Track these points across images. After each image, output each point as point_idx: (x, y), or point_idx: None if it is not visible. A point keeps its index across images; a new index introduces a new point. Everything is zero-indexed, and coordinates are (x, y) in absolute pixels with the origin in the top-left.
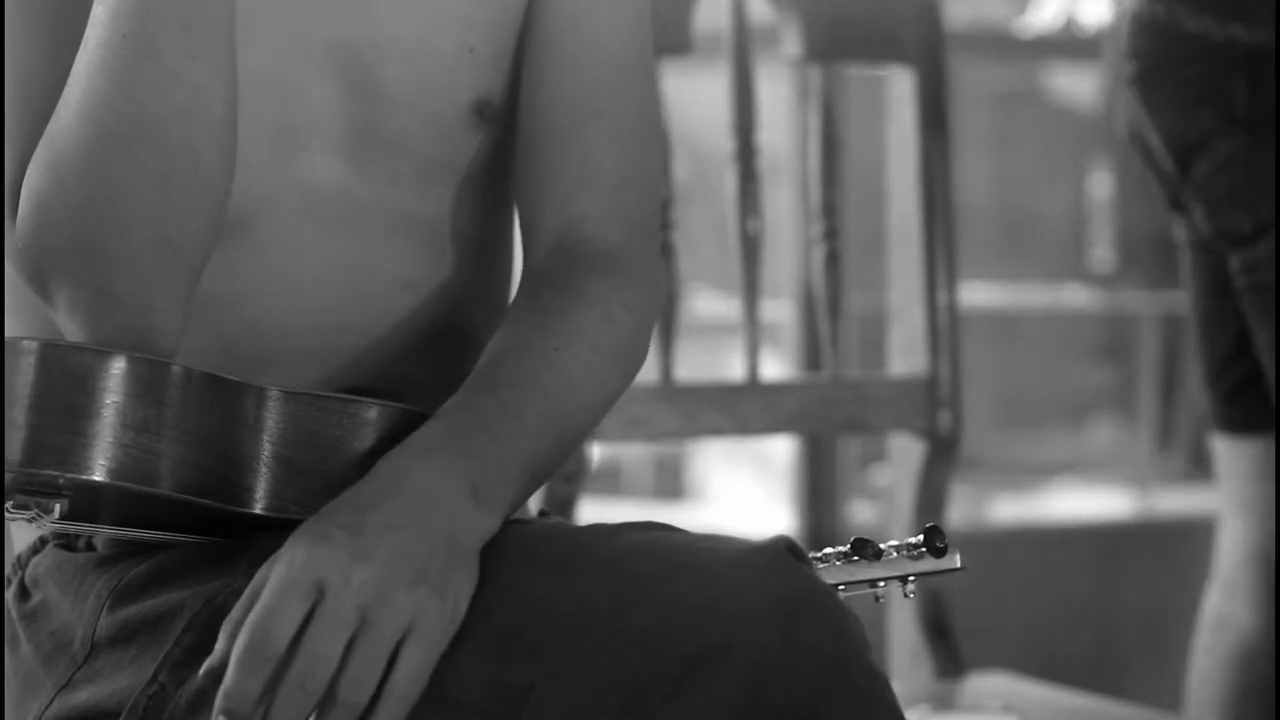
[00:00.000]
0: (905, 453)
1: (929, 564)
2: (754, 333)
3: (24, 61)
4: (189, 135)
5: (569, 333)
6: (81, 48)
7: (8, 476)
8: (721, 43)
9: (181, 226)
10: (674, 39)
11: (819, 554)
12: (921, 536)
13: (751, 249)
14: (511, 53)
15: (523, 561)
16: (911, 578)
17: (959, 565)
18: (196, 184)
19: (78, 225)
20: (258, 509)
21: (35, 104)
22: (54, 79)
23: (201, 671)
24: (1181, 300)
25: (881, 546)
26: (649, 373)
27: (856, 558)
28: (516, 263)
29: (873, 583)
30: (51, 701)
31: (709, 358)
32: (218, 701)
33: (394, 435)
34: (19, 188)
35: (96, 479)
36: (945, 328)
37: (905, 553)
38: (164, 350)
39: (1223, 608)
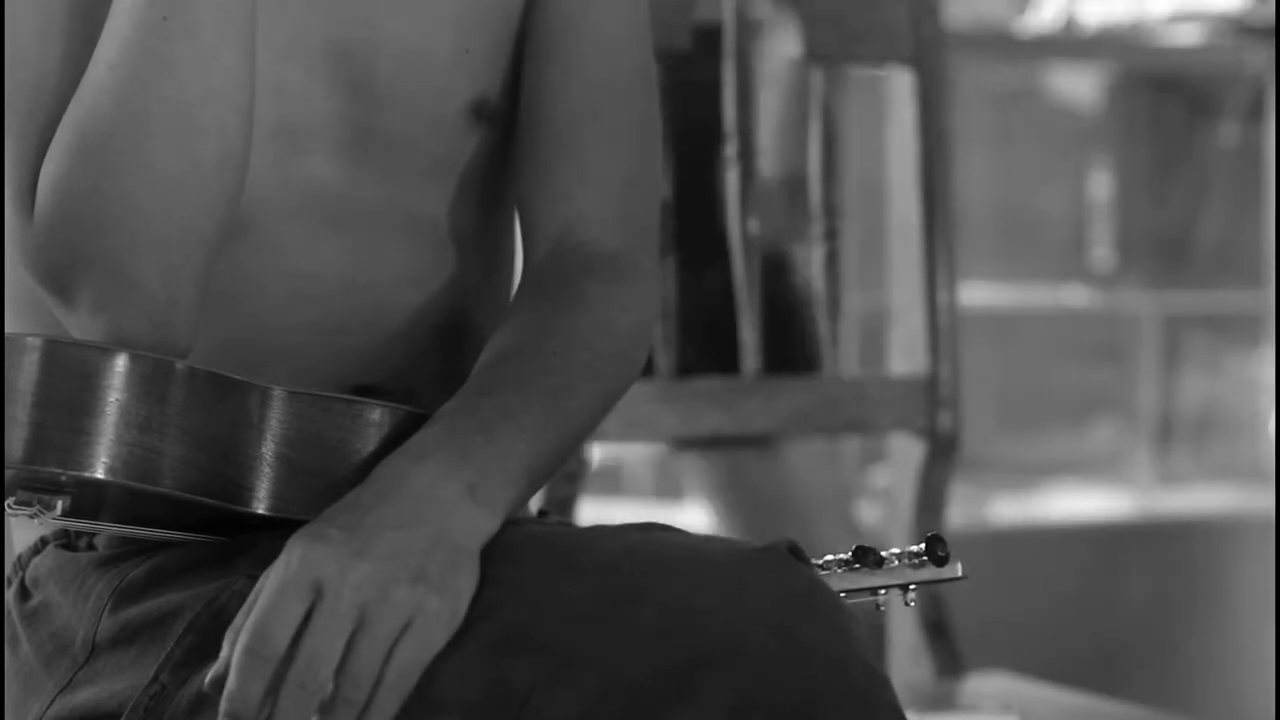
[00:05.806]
0: (905, 453)
1: (930, 573)
2: (754, 332)
3: (35, 63)
4: (222, 119)
5: (567, 335)
6: (107, 35)
7: (9, 473)
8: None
9: (209, 214)
10: (674, 39)
11: (820, 561)
12: (923, 545)
13: (752, 249)
14: (510, 53)
15: (523, 562)
16: (913, 586)
17: (960, 574)
18: (225, 170)
19: (110, 212)
20: (260, 509)
21: (48, 105)
22: (67, 81)
23: (206, 680)
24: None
25: (883, 555)
26: (649, 373)
27: (858, 565)
28: (518, 258)
29: (874, 591)
30: (52, 702)
31: None
32: (222, 704)
33: (397, 437)
34: (32, 187)
35: (99, 477)
36: (945, 328)
37: (907, 561)
38: (182, 348)
39: None
